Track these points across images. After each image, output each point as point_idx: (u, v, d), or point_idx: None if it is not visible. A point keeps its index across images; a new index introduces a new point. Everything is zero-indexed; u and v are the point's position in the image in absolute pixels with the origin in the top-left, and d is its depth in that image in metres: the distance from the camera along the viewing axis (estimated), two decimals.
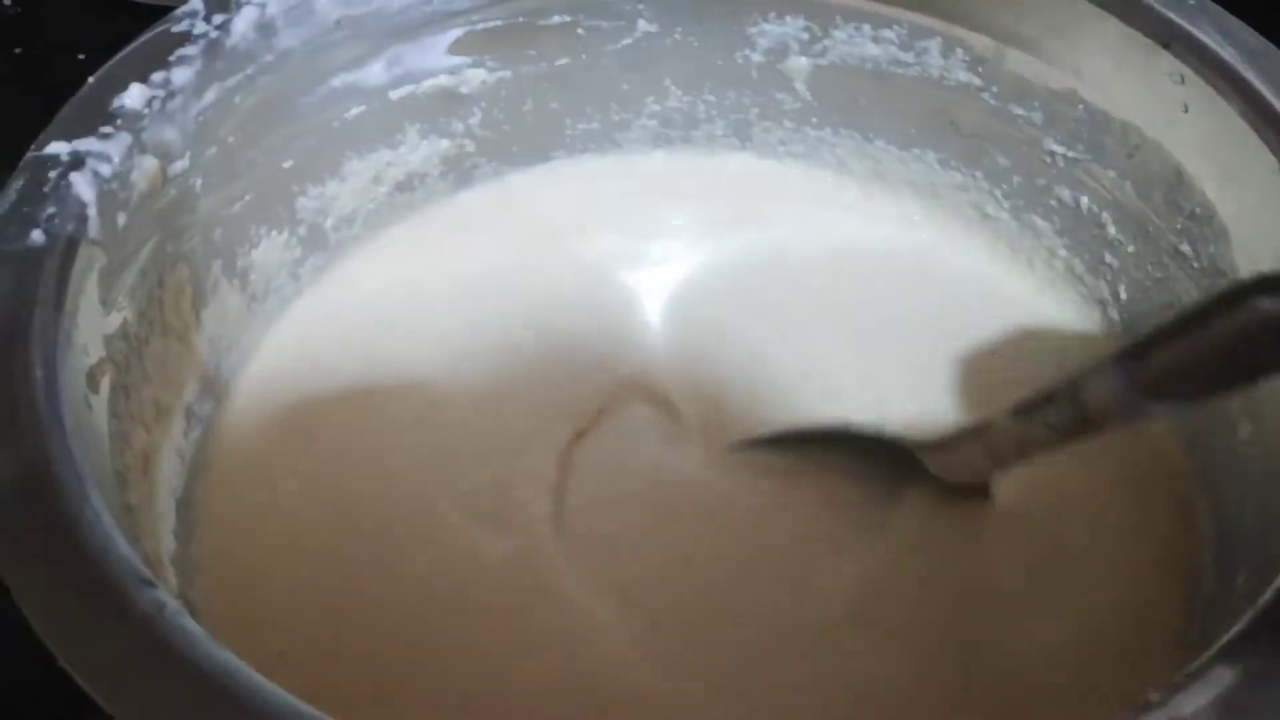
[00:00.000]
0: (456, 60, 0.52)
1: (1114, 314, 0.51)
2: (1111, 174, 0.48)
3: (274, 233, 0.50)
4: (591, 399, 0.48)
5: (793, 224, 0.56)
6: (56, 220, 0.38)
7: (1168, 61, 0.44)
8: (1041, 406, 0.38)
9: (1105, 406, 0.35)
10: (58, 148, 0.39)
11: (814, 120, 0.57)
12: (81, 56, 0.69)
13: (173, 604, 0.29)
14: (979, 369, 0.50)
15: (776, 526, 0.45)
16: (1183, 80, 0.44)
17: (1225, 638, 0.29)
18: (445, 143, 0.55)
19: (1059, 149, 0.50)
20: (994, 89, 0.51)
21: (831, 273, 0.54)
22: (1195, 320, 0.32)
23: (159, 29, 0.44)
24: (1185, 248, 0.46)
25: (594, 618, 0.42)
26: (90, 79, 0.42)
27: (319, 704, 0.28)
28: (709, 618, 0.42)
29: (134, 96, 0.41)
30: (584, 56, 0.55)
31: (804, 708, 0.40)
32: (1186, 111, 0.44)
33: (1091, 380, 0.35)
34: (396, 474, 0.46)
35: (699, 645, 0.41)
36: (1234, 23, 0.44)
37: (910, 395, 0.49)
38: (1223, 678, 0.28)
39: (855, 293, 0.53)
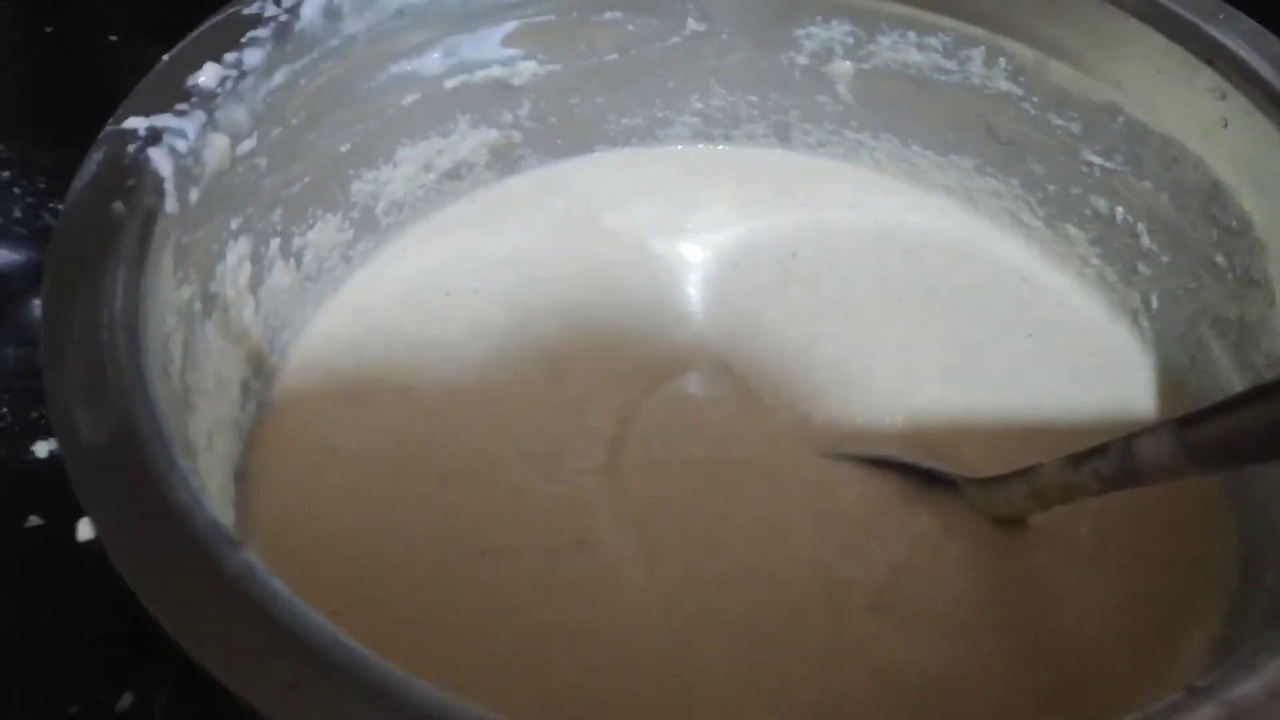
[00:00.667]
0: (510, 52, 0.54)
1: (1144, 323, 0.52)
2: (1148, 185, 0.50)
3: (329, 214, 0.51)
4: (649, 364, 0.50)
5: (834, 205, 0.58)
6: (136, 192, 0.39)
7: (1209, 77, 0.46)
8: (1093, 457, 0.40)
9: (1154, 464, 0.38)
10: (135, 122, 0.40)
11: (853, 123, 0.58)
12: (114, 38, 0.70)
13: (260, 566, 0.30)
14: (1011, 352, 0.52)
15: (818, 506, 0.46)
16: (1224, 96, 0.45)
17: (1271, 631, 0.30)
18: (494, 133, 0.56)
19: (1096, 159, 0.51)
20: (1034, 99, 0.52)
21: (873, 248, 0.56)
22: (1248, 400, 0.35)
23: (230, 11, 0.45)
24: (1220, 259, 0.47)
25: (623, 572, 0.44)
26: (164, 57, 0.43)
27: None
28: (732, 589, 0.44)
29: (208, 76, 0.42)
30: (632, 53, 0.56)
31: (813, 684, 0.41)
32: (1226, 126, 0.46)
33: (1145, 440, 0.38)
34: (453, 431, 0.47)
35: (717, 614, 0.43)
36: (1274, 40, 0.46)
37: (944, 366, 0.51)
38: (1270, 668, 0.29)
39: (897, 268, 0.55)
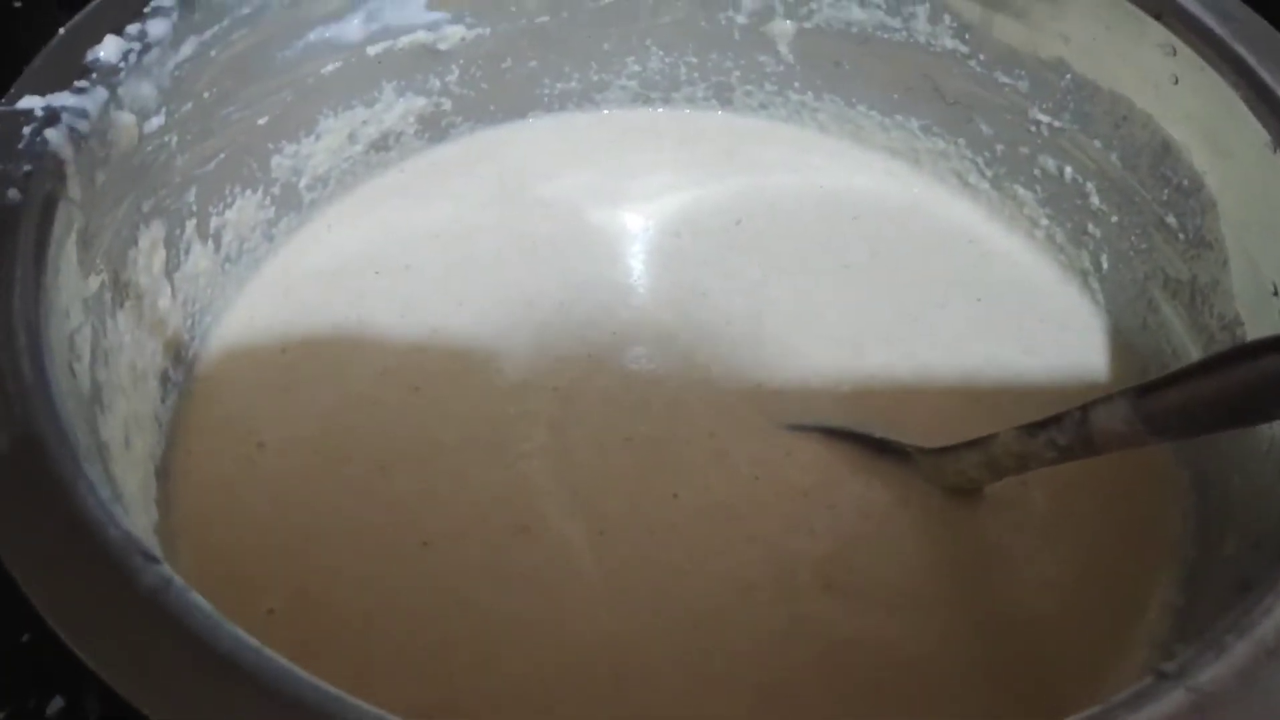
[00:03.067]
0: (435, 16, 0.51)
1: (1094, 284, 0.51)
2: (1097, 144, 0.49)
3: (248, 192, 0.48)
4: (591, 340, 0.49)
5: (778, 169, 0.56)
6: (34, 178, 0.36)
7: (1158, 32, 0.44)
8: (1048, 427, 0.39)
9: (1110, 433, 0.37)
10: (31, 102, 0.38)
11: (796, 84, 0.56)
12: (17, 3, 0.66)
13: (178, 580, 0.28)
14: (961, 317, 0.51)
15: (768, 480, 0.45)
16: (1174, 52, 0.44)
17: (1237, 610, 0.29)
18: (422, 100, 0.54)
19: (1044, 118, 0.50)
20: (980, 56, 0.51)
21: (819, 213, 0.54)
22: (1206, 368, 0.34)
23: None
24: (1171, 219, 0.46)
25: (571, 558, 0.42)
26: (61, 30, 0.40)
27: (309, 656, 0.28)
28: (683, 571, 0.42)
29: (109, 49, 0.40)
30: (565, 14, 0.54)
31: (766, 666, 0.40)
32: (1177, 83, 0.44)
33: (1101, 409, 0.37)
34: (388, 418, 0.45)
35: (667, 599, 0.42)
36: None
37: (893, 332, 0.50)
38: (1238, 649, 0.28)
39: (843, 233, 0.54)
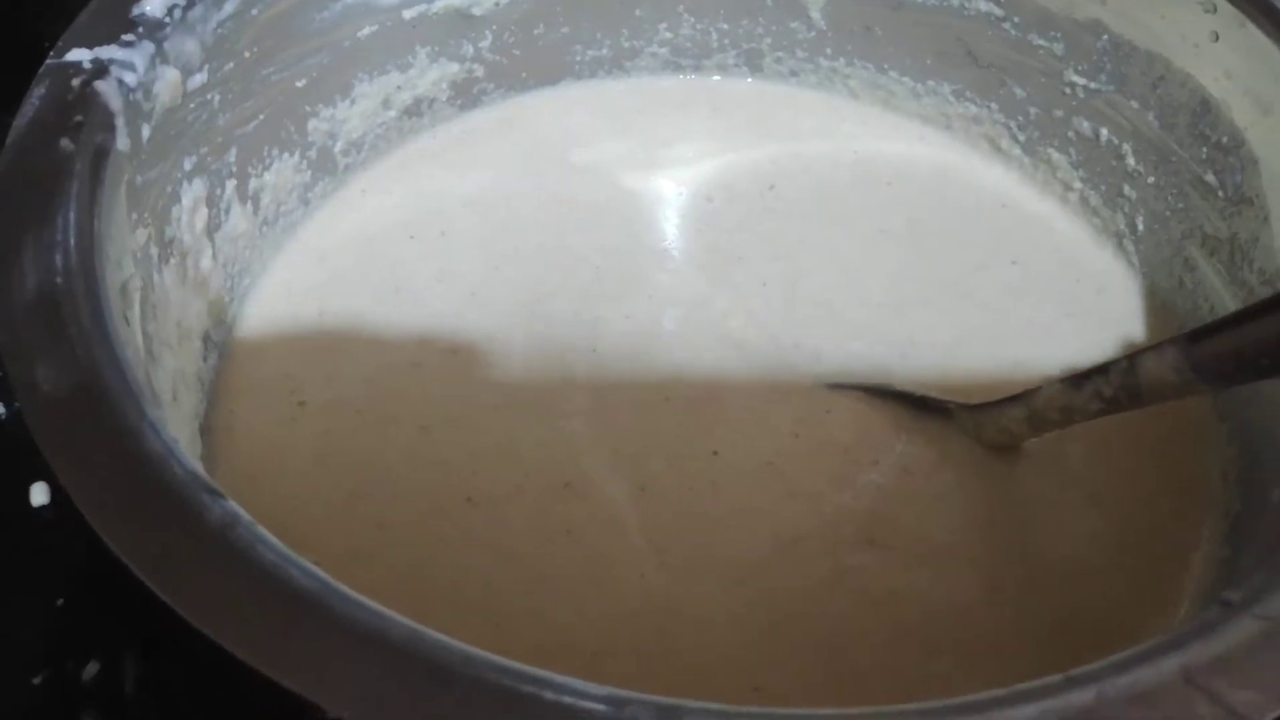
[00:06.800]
0: None
1: (1129, 246, 0.51)
2: (1134, 104, 0.49)
3: (285, 155, 0.48)
4: (628, 304, 0.49)
5: (810, 136, 0.56)
6: (84, 129, 0.36)
7: None
8: (1093, 377, 0.39)
9: (1159, 382, 0.37)
10: (79, 54, 0.38)
11: (827, 50, 0.56)
12: None
13: (245, 515, 0.28)
14: (997, 280, 0.51)
15: (810, 437, 0.45)
16: (1214, 8, 0.44)
17: None
18: (455, 66, 0.54)
19: (1080, 80, 0.50)
20: (1015, 19, 0.51)
21: (852, 179, 0.54)
22: (1260, 310, 0.33)
23: None
24: (1210, 178, 0.46)
25: (616, 514, 0.43)
26: None
27: None
28: (726, 525, 0.43)
29: (154, 4, 0.40)
30: None
31: (813, 619, 0.40)
32: (1216, 40, 0.44)
33: (1149, 357, 0.37)
34: (430, 380, 0.46)
35: (712, 552, 0.42)
36: None
37: (931, 295, 0.50)
38: None
39: (877, 199, 0.54)
